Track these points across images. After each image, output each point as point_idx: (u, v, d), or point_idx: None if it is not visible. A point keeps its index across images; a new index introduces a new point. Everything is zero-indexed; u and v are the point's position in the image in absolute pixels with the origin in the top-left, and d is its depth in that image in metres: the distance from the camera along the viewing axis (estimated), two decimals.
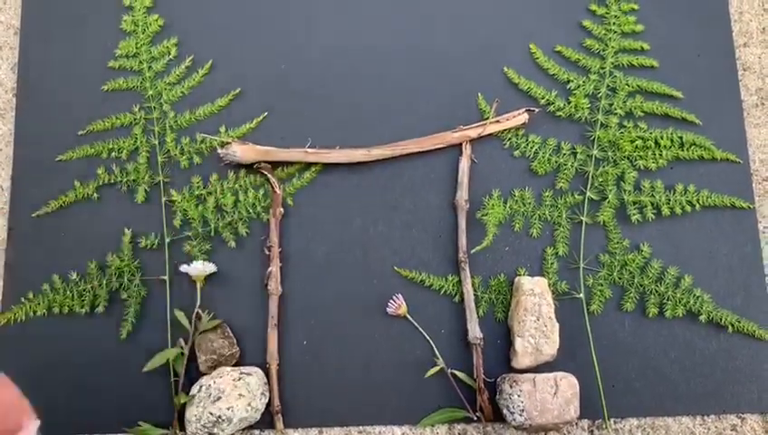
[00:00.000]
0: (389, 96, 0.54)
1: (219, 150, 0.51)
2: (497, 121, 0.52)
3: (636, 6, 0.54)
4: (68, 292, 0.50)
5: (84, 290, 0.50)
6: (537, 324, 0.47)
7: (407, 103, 0.53)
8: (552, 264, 0.49)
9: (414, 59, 0.55)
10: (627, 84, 0.52)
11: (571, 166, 0.51)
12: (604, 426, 0.48)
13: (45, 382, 0.49)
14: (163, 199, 0.52)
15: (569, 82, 0.52)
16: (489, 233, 0.48)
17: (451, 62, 0.54)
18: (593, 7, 0.54)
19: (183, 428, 0.47)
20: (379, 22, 0.56)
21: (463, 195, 0.50)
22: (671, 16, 0.54)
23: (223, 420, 0.46)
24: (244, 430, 0.48)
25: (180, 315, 0.49)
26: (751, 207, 0.50)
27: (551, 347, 0.47)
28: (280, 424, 0.48)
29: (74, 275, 0.51)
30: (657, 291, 0.48)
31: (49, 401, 0.49)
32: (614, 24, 0.53)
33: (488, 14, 0.55)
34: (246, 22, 0.56)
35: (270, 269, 0.50)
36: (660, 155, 0.50)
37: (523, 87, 0.53)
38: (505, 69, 0.54)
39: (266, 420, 0.48)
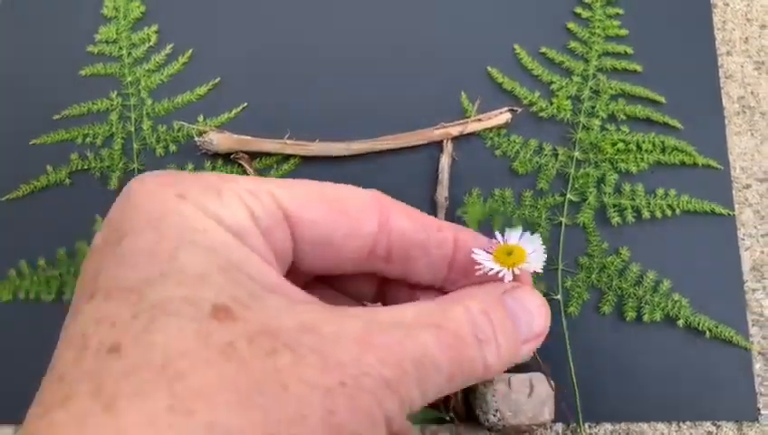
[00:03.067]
0: (372, 91, 0.53)
1: (196, 138, 0.50)
2: (479, 120, 0.51)
3: (620, 11, 0.54)
4: (35, 278, 0.49)
5: (52, 276, 0.49)
6: None
7: (389, 99, 0.53)
8: None
9: (398, 55, 0.54)
10: (610, 87, 0.52)
11: (552, 167, 0.50)
12: (578, 430, 0.47)
13: (8, 369, 0.48)
14: None
15: (552, 83, 0.52)
16: None
17: (435, 60, 0.54)
18: (578, 10, 0.54)
19: None
20: (363, 16, 0.55)
21: (443, 192, 0.50)
22: (655, 24, 0.54)
23: None
24: None
25: None
26: (731, 214, 0.50)
27: None
28: None
29: (42, 262, 0.49)
30: (635, 294, 0.48)
31: (11, 388, 0.47)
32: (598, 27, 0.53)
33: (474, 14, 0.55)
34: (228, 12, 0.55)
35: None
36: (642, 159, 0.50)
37: (507, 87, 0.52)
38: (489, 68, 0.53)
39: None
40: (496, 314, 0.21)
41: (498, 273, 0.22)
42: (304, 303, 0.20)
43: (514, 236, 0.24)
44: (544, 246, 0.24)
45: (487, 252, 0.23)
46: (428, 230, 0.24)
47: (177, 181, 0.21)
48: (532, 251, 0.23)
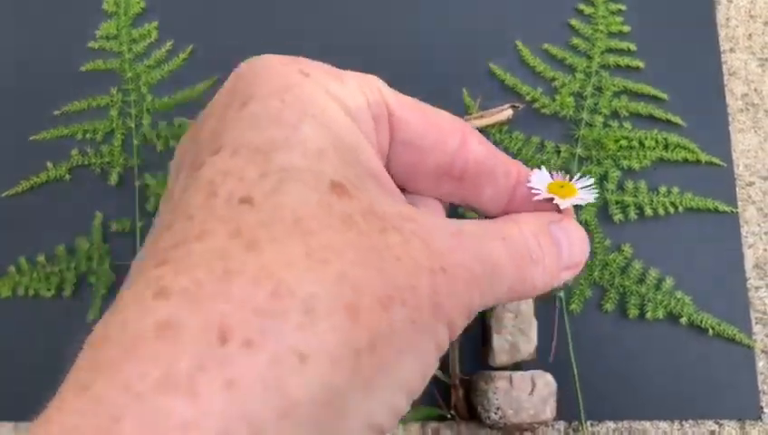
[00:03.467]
0: None
1: None
2: (481, 116, 0.51)
3: (623, 7, 0.54)
4: (35, 274, 0.49)
5: (52, 273, 0.49)
6: (515, 322, 0.46)
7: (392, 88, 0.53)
8: None
9: (399, 51, 0.54)
10: (613, 84, 0.51)
11: (554, 164, 0.50)
12: (580, 428, 0.47)
13: (7, 366, 0.48)
14: (137, 183, 0.51)
15: (555, 79, 0.52)
16: None
17: (437, 56, 0.54)
18: (581, 7, 0.54)
19: None
20: (364, 13, 0.55)
21: None
22: (658, 20, 0.54)
23: None
24: None
25: None
26: (734, 211, 0.50)
27: (528, 345, 0.46)
28: None
29: (42, 258, 0.49)
30: (638, 292, 0.47)
31: (9, 385, 0.47)
32: (601, 23, 0.53)
33: (477, 10, 0.55)
34: (228, 8, 0.55)
35: None
36: (644, 156, 0.50)
37: (509, 83, 0.52)
38: (491, 65, 0.53)
39: None
40: (544, 239, 0.23)
41: (552, 200, 0.24)
42: (400, 195, 0.22)
43: (568, 177, 0.26)
44: (596, 188, 0.27)
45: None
46: (499, 158, 0.25)
47: (300, 61, 0.22)
48: (581, 186, 0.25)
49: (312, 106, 0.20)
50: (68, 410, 0.15)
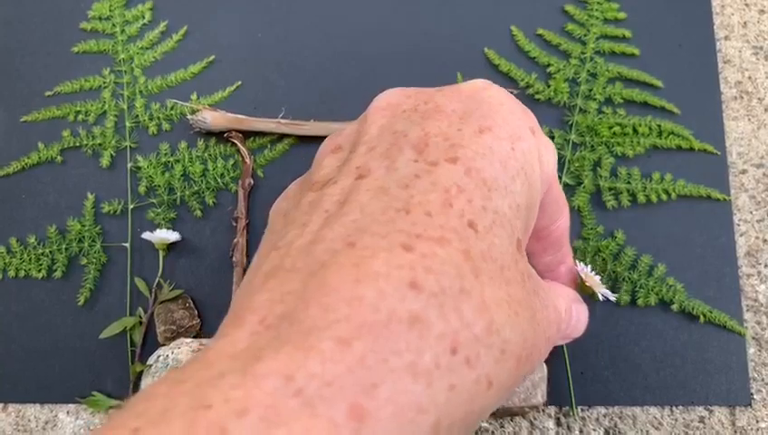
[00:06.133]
0: (367, 71, 0.53)
1: (189, 117, 0.50)
2: None
3: None
4: (26, 255, 0.49)
5: (42, 254, 0.49)
6: None
7: (384, 80, 0.52)
8: None
9: (394, 36, 0.54)
10: (607, 70, 0.51)
11: None
12: (571, 413, 0.47)
13: None
14: (129, 165, 0.50)
15: (549, 65, 0.52)
16: None
17: (432, 40, 0.54)
18: None
19: None
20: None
21: None
22: (653, 7, 0.54)
23: None
24: None
25: (140, 284, 0.48)
26: (727, 198, 0.50)
27: None
28: None
29: (33, 239, 0.49)
30: (629, 278, 0.47)
31: (0, 367, 0.47)
32: (597, 9, 0.53)
33: None
34: None
35: (236, 240, 0.48)
36: (638, 142, 0.49)
37: (504, 69, 0.52)
38: (486, 50, 0.53)
39: None
40: (567, 314, 0.29)
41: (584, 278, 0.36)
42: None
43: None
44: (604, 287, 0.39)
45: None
46: (567, 238, 0.32)
47: (530, 118, 0.25)
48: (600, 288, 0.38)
49: (527, 164, 0.23)
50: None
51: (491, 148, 0.22)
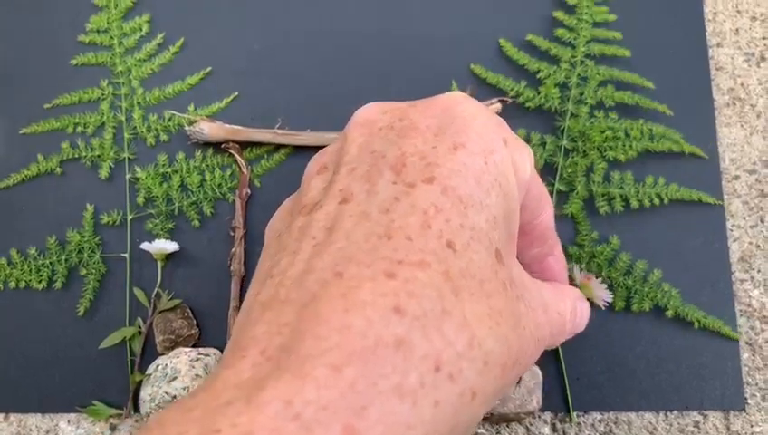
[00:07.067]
0: (362, 80, 0.53)
1: (187, 128, 0.50)
2: None
3: None
4: (26, 266, 0.49)
5: (42, 265, 0.49)
6: None
7: (379, 88, 0.53)
8: None
9: (388, 44, 0.54)
10: (598, 73, 0.51)
11: (540, 157, 0.50)
12: (567, 419, 0.47)
13: None
14: (127, 176, 0.51)
15: (539, 71, 0.52)
16: None
17: (425, 48, 0.54)
18: None
19: (138, 409, 0.46)
20: (352, 8, 0.55)
21: None
22: (644, 15, 0.54)
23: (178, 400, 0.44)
24: None
25: (140, 294, 0.48)
26: (719, 203, 0.50)
27: None
28: None
29: (33, 250, 0.49)
30: (624, 284, 0.48)
31: (1, 377, 0.48)
32: (586, 13, 0.53)
33: (460, 4, 0.55)
34: (219, 1, 0.55)
35: (234, 250, 0.49)
36: (630, 146, 0.50)
37: (492, 81, 0.52)
38: (472, 66, 0.53)
39: None
40: (572, 316, 0.31)
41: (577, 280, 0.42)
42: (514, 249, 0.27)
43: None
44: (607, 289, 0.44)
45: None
46: (552, 230, 0.33)
47: (503, 129, 0.26)
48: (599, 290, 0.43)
49: (500, 175, 0.24)
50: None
51: (465, 164, 0.23)
